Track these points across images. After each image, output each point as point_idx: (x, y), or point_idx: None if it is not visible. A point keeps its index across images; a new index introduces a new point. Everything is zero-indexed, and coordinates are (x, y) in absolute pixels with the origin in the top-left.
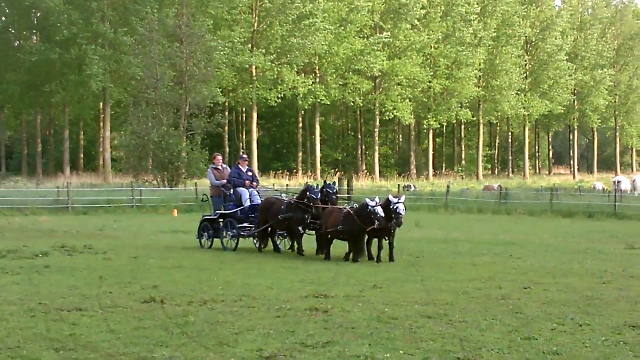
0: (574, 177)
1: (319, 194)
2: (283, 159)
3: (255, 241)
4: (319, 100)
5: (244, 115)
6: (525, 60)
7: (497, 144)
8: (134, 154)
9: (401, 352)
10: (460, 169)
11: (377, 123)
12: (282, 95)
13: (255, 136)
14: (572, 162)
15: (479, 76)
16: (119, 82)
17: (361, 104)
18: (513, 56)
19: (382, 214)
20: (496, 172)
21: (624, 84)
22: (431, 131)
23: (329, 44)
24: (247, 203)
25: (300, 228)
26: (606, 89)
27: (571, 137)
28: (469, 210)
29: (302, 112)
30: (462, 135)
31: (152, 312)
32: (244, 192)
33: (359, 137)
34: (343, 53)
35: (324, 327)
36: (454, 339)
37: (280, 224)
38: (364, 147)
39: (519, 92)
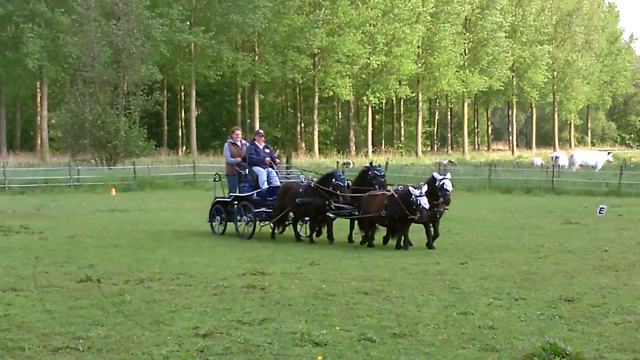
0: (512, 152)
1: (346, 181)
2: (222, 137)
3: (272, 226)
4: (258, 78)
5: (182, 93)
6: (465, 38)
7: (436, 121)
8: (71, 133)
9: (337, 328)
10: (399, 145)
11: (317, 100)
12: (221, 73)
13: (194, 114)
14: (511, 138)
15: (418, 53)
16: (55, 61)
17: (300, 81)
18: (452, 33)
19: (427, 206)
20: (435, 149)
21: (562, 59)
22: (370, 108)
23: (269, 21)
24: (265, 185)
25: (330, 215)
26: (544, 65)
27: (510, 113)
28: None
29: (242, 89)
30: (402, 112)
31: (88, 291)
32: (262, 173)
33: (299, 114)
34: (282, 30)
35: (261, 304)
36: (391, 314)
37: (298, 209)
38: (303, 124)
39: (458, 69)
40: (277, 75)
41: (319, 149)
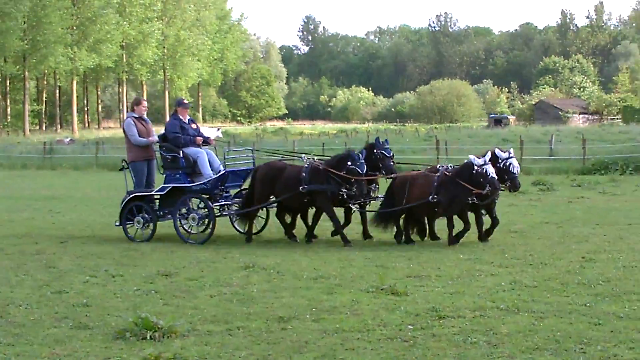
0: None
1: (364, 166)
2: None
3: (234, 222)
4: None
5: None
6: (73, 14)
7: (44, 99)
8: None
9: None
10: (6, 124)
11: None
12: None
13: None
14: (121, 115)
15: (24, 29)
16: None
17: None
18: (59, 9)
19: (495, 176)
20: (44, 128)
21: (173, 37)
22: None
23: None
24: (208, 170)
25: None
26: (155, 42)
27: (121, 90)
28: (12, 166)
29: None
30: (7, 90)
31: None
32: (202, 154)
33: None
34: None
35: None
36: None
37: (297, 199)
38: None
39: (66, 46)
40: None
41: None
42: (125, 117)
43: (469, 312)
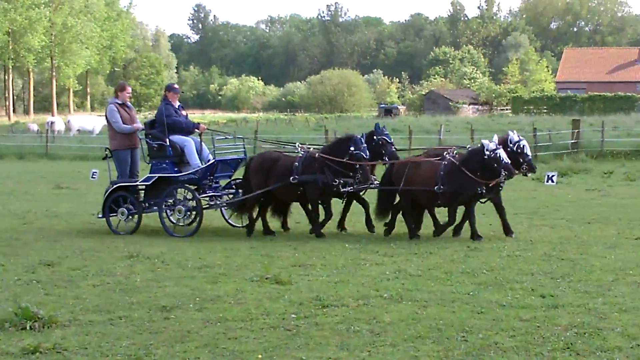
0: (9, 118)
1: (367, 151)
2: None
3: (224, 213)
4: None
5: None
6: None
7: None
8: None
9: None
10: None
11: None
12: None
13: None
14: (7, 103)
15: None
16: None
17: None
18: None
19: (509, 160)
20: None
21: (61, 23)
22: None
23: None
24: (195, 159)
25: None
26: (42, 29)
27: (6, 77)
28: None
29: None
30: None
31: None
32: (189, 143)
33: None
34: None
35: None
36: None
37: (290, 191)
38: None
39: None
40: None
41: None
42: (108, 103)
43: (353, 301)
